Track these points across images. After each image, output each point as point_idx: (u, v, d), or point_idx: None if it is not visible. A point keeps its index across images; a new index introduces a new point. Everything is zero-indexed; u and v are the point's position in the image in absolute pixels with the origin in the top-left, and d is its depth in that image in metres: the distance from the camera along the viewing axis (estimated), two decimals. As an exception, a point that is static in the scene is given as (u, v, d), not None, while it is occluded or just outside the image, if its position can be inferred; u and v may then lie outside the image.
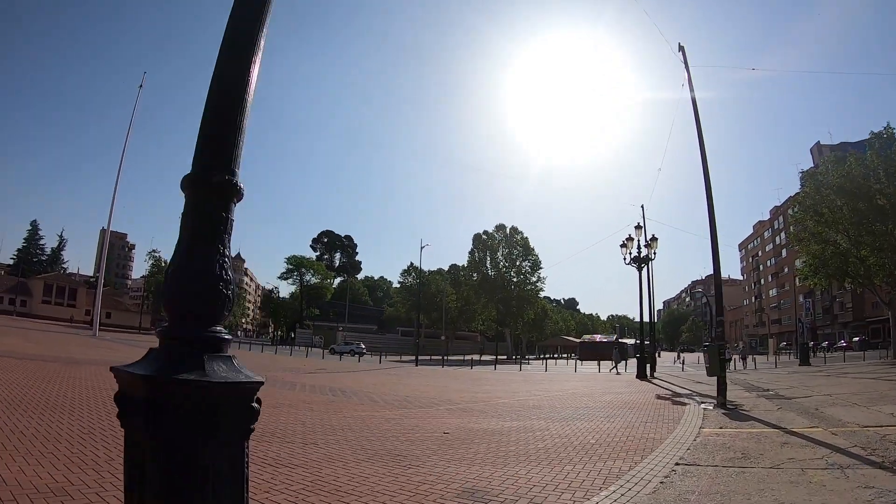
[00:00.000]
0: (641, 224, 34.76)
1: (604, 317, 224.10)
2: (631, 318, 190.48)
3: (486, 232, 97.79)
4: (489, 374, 39.22)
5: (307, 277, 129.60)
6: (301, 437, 9.71)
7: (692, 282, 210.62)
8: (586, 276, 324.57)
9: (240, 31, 3.21)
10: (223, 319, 2.95)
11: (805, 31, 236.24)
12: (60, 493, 5.57)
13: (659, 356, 48.85)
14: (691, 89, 19.84)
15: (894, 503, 6.10)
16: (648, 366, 34.09)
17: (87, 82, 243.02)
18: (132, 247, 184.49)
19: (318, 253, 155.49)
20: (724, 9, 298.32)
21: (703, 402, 17.32)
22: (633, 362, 43.35)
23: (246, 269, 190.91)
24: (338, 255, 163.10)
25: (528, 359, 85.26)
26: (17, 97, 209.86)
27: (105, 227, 63.22)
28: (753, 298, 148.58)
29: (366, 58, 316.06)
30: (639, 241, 33.85)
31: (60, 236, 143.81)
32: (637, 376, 32.59)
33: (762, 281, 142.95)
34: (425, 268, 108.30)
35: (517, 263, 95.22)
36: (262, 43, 3.27)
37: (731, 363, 37.26)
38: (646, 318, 38.55)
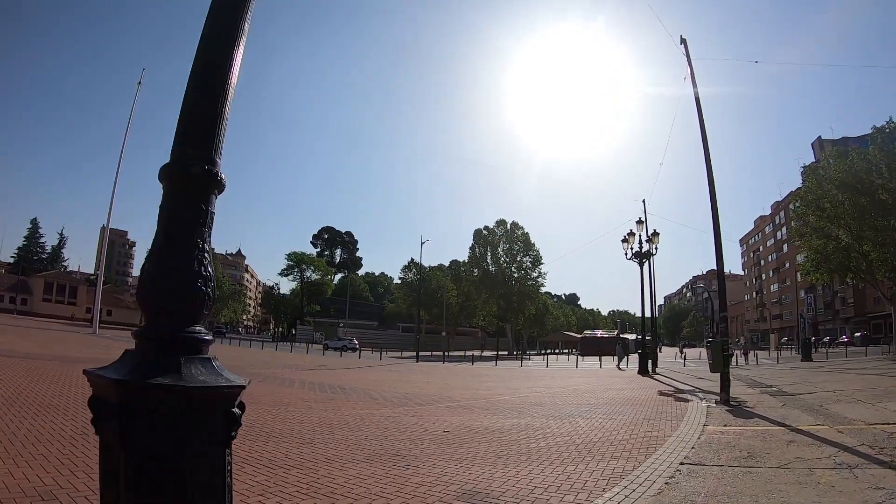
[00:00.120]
0: (643, 219, 34.63)
1: (605, 312, 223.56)
2: (632, 313, 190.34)
3: (486, 227, 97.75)
4: (490, 370, 39.06)
5: (308, 274, 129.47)
6: (298, 437, 9.56)
7: (693, 277, 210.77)
8: (587, 271, 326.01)
9: (223, 13, 3.05)
10: (203, 319, 2.77)
11: (805, 29, 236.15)
12: (48, 496, 5.44)
13: (660, 351, 48.67)
14: (693, 83, 19.67)
15: (906, 505, 5.95)
16: (650, 361, 33.88)
17: (87, 81, 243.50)
18: (133, 244, 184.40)
19: (318, 249, 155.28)
20: (726, 4, 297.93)
21: (705, 399, 17.18)
22: (633, 358, 43.27)
23: (247, 265, 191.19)
24: (338, 252, 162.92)
25: (529, 354, 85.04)
26: (18, 96, 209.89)
27: (105, 225, 62.91)
28: (754, 294, 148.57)
29: (366, 56, 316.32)
30: (640, 236, 33.70)
31: (61, 234, 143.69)
32: (639, 372, 32.47)
33: (763, 276, 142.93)
34: (426, 263, 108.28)
35: (518, 259, 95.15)
36: (247, 27, 3.11)
37: (733, 359, 37.07)
38: (647, 314, 38.31)
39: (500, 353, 73.27)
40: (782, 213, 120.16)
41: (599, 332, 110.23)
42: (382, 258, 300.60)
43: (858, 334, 79.37)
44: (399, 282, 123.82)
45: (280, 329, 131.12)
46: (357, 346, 71.89)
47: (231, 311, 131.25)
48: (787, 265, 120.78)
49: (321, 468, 7.36)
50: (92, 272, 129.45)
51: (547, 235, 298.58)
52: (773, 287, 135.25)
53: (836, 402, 15.21)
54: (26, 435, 7.91)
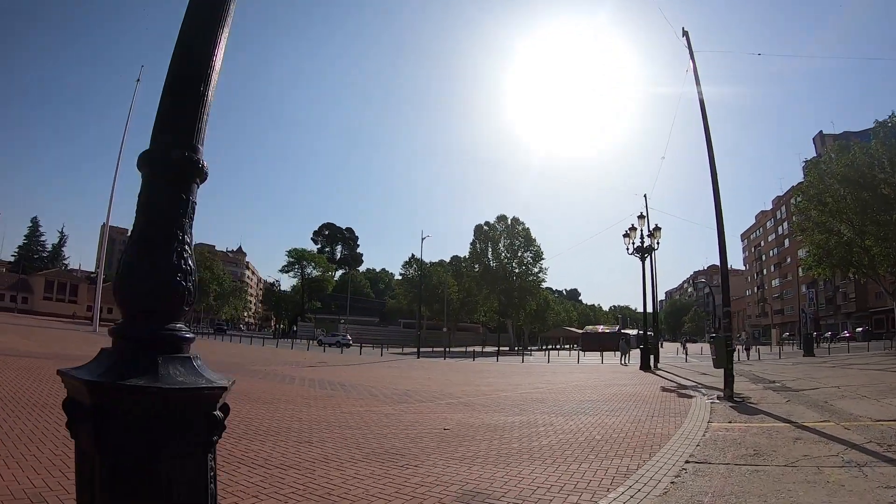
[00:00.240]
0: (644, 214, 34.43)
1: (606, 307, 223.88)
2: (633, 308, 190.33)
3: (487, 223, 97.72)
4: (491, 365, 38.96)
5: (308, 270, 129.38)
6: (296, 435, 9.42)
7: (694, 272, 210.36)
8: (588, 266, 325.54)
9: (207, -7, 2.86)
10: (183, 315, 2.64)
11: (806, 26, 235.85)
12: (36, 498, 5.33)
13: (661, 347, 48.59)
14: (696, 75, 19.50)
15: (919, 505, 5.80)
16: (652, 357, 33.74)
17: (87, 80, 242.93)
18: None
19: (319, 245, 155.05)
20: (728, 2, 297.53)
21: (709, 395, 17.03)
22: (635, 353, 43.13)
23: (247, 262, 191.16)
24: (339, 248, 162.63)
25: (531, 350, 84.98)
26: (18, 96, 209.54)
27: (108, 224, 62.77)
28: (756, 289, 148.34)
29: (366, 53, 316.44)
30: (642, 230, 33.54)
31: (61, 233, 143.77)
32: (640, 368, 32.39)
33: (765, 271, 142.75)
34: (427, 259, 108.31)
35: (519, 254, 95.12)
36: (232, 8, 2.96)
37: (735, 354, 37.00)
38: (649, 309, 38.15)
39: (501, 348, 73.40)
40: (783, 208, 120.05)
41: (601, 328, 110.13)
42: (383, 254, 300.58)
43: (860, 329, 79.14)
44: (400, 278, 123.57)
45: (281, 326, 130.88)
46: (350, 342, 72.40)
47: (232, 308, 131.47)
48: (789, 260, 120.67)
49: (318, 468, 7.21)
50: (93, 270, 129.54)
51: (548, 231, 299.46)
52: (775, 282, 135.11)
53: (840, 397, 15.06)
54: (19, 435, 7.80)
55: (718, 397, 16.14)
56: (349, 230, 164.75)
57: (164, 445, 2.24)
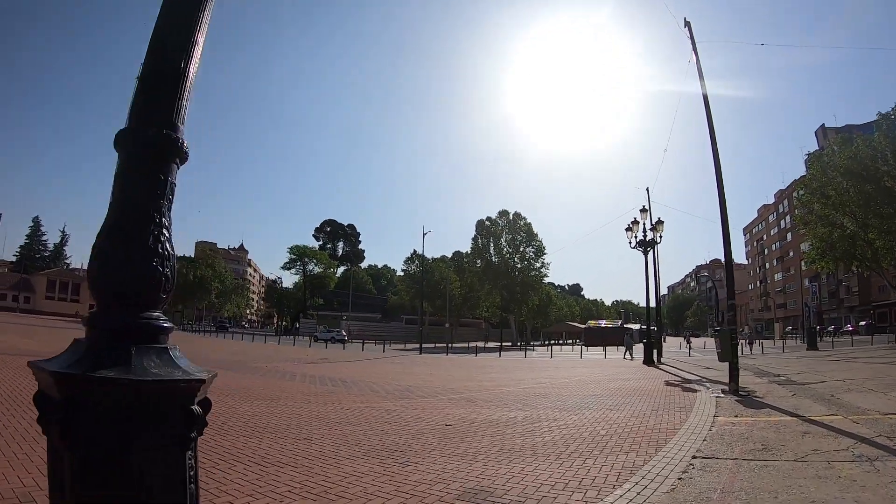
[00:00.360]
0: (647, 207, 34.21)
1: (608, 302, 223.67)
2: (635, 303, 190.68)
3: (489, 218, 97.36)
4: (494, 361, 38.80)
5: (310, 267, 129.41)
6: (295, 432, 9.27)
7: (697, 266, 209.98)
8: (591, 261, 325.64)
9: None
10: (161, 303, 2.49)
11: (808, 22, 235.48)
12: (25, 497, 5.26)
13: (664, 341, 48.43)
14: (698, 65, 19.33)
15: (934, 499, 5.63)
16: (655, 351, 33.58)
17: (88, 80, 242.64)
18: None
19: (320, 242, 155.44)
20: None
21: (713, 389, 16.89)
22: (638, 347, 42.99)
23: (249, 260, 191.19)
24: (341, 244, 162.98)
25: (533, 345, 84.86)
26: (19, 95, 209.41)
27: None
28: (758, 283, 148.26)
29: (367, 50, 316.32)
30: (644, 224, 33.30)
31: (63, 232, 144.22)
32: (644, 362, 32.17)
33: (767, 265, 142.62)
34: (429, 255, 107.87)
35: (521, 249, 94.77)
36: (218, -23, 2.79)
37: (739, 348, 36.89)
38: (652, 303, 37.96)
39: (503, 344, 73.25)
40: (786, 202, 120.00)
41: (603, 323, 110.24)
42: (385, 251, 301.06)
43: (863, 323, 79.09)
44: (402, 274, 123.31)
45: (284, 323, 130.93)
46: (345, 338, 72.99)
47: (234, 305, 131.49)
48: (791, 254, 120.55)
49: (316, 465, 7.05)
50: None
51: (550, 226, 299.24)
52: (777, 276, 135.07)
53: (846, 391, 14.93)
54: (13, 434, 7.72)
55: (723, 391, 15.99)
56: (351, 227, 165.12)
57: (137, 441, 2.12)
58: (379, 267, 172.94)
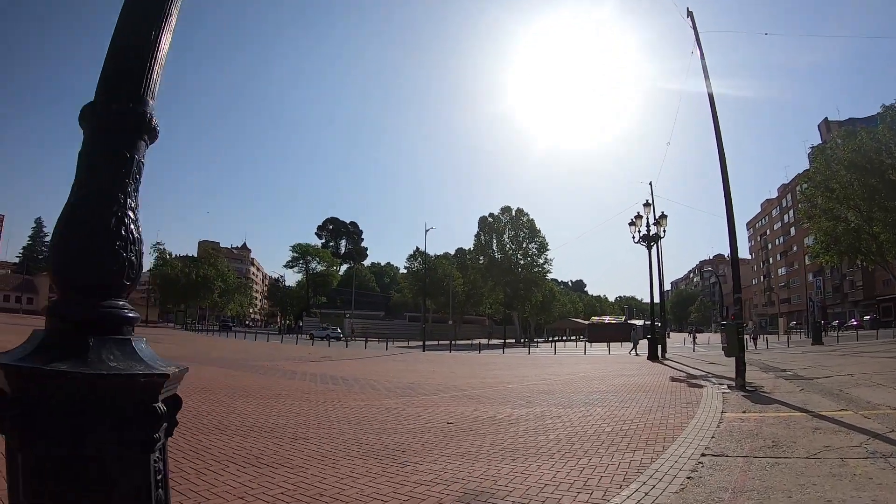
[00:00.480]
0: (650, 201, 33.98)
1: (612, 298, 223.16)
2: (639, 299, 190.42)
3: (491, 214, 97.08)
4: (497, 358, 38.60)
5: (313, 265, 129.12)
6: (292, 431, 9.06)
7: (700, 261, 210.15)
8: (594, 257, 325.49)
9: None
10: (125, 291, 2.29)
11: (811, 19, 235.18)
12: None
13: (668, 337, 48.26)
14: (701, 55, 19.15)
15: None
16: (659, 347, 33.37)
17: (91, 80, 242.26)
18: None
19: (323, 240, 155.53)
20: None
21: (720, 384, 16.66)
22: (643, 343, 42.83)
23: (252, 258, 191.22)
24: (343, 242, 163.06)
25: (537, 342, 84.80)
26: (21, 97, 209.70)
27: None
28: (762, 277, 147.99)
29: (368, 46, 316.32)
30: (647, 218, 33.06)
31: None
32: (648, 357, 32.04)
33: (771, 260, 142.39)
34: (431, 252, 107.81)
35: (524, 246, 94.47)
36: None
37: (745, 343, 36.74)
38: (656, 298, 37.74)
39: (507, 340, 73.05)
40: (789, 196, 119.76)
41: (607, 319, 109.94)
42: (388, 248, 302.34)
43: (868, 317, 78.81)
44: (405, 271, 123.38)
45: (287, 321, 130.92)
46: (340, 335, 73.37)
47: (237, 304, 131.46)
48: (795, 248, 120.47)
49: (312, 466, 6.83)
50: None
51: (552, 222, 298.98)
52: (781, 271, 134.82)
53: (855, 385, 14.75)
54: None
55: (730, 387, 15.77)
56: (353, 224, 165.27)
57: (93, 441, 1.96)
58: (382, 265, 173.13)
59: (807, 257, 79.76)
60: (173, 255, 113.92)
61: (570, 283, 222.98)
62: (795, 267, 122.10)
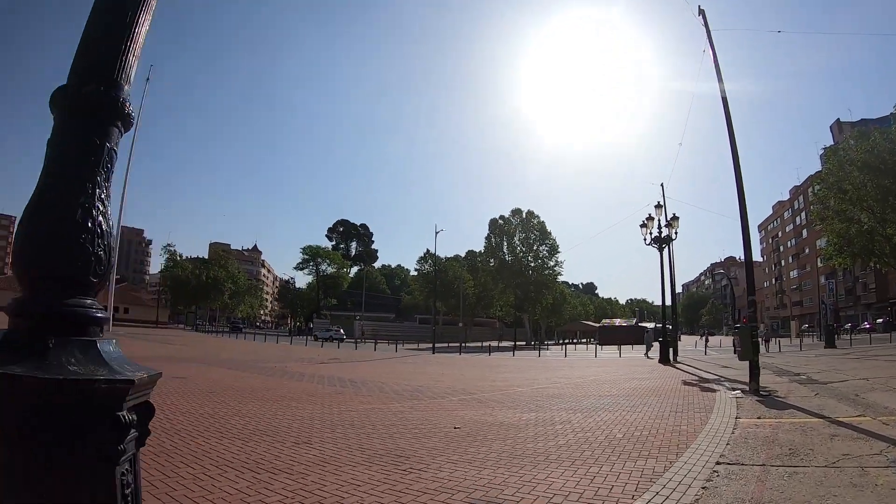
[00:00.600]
0: (661, 203, 33.71)
1: (623, 301, 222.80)
2: (650, 301, 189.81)
3: (502, 217, 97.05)
4: (507, 360, 38.39)
5: (323, 267, 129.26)
6: (295, 435, 8.85)
7: (711, 264, 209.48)
8: (605, 260, 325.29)
9: None
10: (93, 288, 2.12)
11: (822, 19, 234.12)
12: None
13: (679, 339, 48.02)
14: (713, 54, 18.89)
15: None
16: (671, 350, 33.08)
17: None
18: (149, 242, 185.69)
19: (333, 242, 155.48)
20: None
21: (733, 388, 16.39)
22: (655, 345, 42.60)
23: (263, 260, 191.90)
24: (354, 244, 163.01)
25: (547, 344, 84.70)
26: (27, 96, 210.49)
27: (120, 224, 62.67)
28: (774, 280, 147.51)
29: (378, 48, 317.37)
30: (659, 220, 32.82)
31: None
32: (660, 361, 31.76)
33: (782, 262, 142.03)
34: (442, 254, 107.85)
35: (534, 248, 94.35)
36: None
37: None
38: (668, 301, 37.45)
39: (517, 343, 72.82)
40: (801, 198, 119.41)
41: (618, 321, 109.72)
42: (398, 250, 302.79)
43: (881, 320, 78.27)
44: (415, 273, 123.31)
45: (297, 323, 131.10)
46: (343, 337, 73.14)
47: (248, 306, 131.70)
48: (807, 250, 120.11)
49: (313, 472, 6.61)
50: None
51: (563, 224, 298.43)
52: (793, 273, 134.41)
53: (871, 390, 14.48)
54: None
55: (743, 391, 15.50)
56: (363, 226, 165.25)
57: (50, 452, 1.80)
58: (392, 267, 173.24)
59: (819, 259, 79.31)
60: (184, 257, 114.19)
61: (580, 286, 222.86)
62: (807, 269, 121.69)
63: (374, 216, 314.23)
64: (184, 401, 12.09)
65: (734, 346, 37.20)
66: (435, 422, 10.69)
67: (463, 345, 59.49)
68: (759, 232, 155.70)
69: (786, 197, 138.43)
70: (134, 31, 2.31)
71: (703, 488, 6.08)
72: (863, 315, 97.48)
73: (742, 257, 18.30)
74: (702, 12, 19.48)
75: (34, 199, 2.06)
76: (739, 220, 17.91)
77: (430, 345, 58.63)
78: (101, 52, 2.23)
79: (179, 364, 22.48)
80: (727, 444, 8.43)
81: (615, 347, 53.23)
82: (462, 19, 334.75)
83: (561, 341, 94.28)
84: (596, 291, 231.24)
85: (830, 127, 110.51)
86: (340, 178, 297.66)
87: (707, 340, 59.48)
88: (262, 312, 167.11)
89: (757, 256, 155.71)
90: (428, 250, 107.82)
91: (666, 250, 33.77)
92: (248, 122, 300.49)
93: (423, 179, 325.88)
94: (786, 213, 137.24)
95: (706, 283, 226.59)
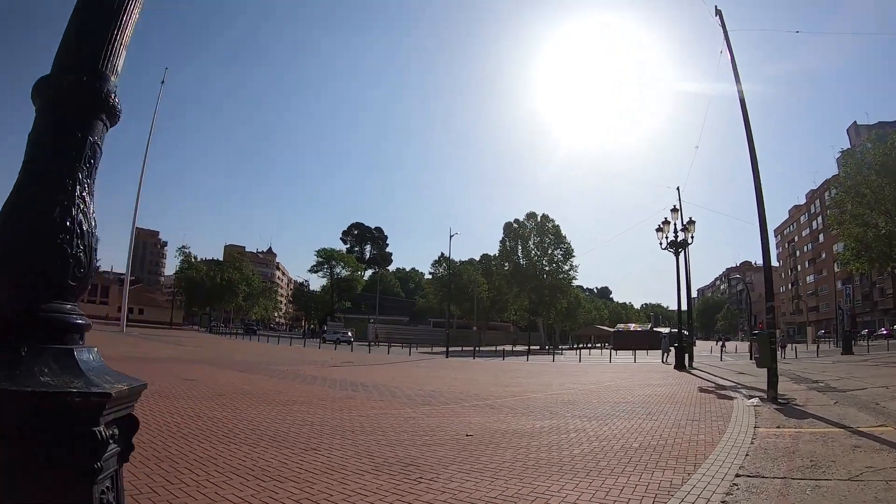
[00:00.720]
0: (678, 206, 33.53)
1: (637, 306, 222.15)
2: (665, 306, 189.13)
3: (517, 220, 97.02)
4: (521, 365, 38.27)
5: (337, 270, 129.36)
6: (304, 441, 8.71)
7: (727, 269, 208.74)
8: (619, 264, 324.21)
9: None
10: (73, 292, 2.00)
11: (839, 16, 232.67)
12: None
13: (694, 345, 47.82)
14: (731, 54, 18.67)
15: None
16: (686, 355, 32.79)
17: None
18: (164, 244, 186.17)
19: (348, 245, 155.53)
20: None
21: (750, 396, 16.15)
22: (670, 351, 42.35)
23: (277, 263, 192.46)
24: (368, 248, 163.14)
25: (562, 349, 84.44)
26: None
27: (135, 226, 62.75)
28: (790, 285, 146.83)
29: (396, 51, 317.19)
30: (675, 224, 32.59)
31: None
32: (675, 367, 31.55)
33: (799, 267, 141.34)
34: (456, 258, 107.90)
35: (549, 252, 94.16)
36: None
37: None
38: (684, 306, 37.16)
39: (531, 347, 72.76)
40: (818, 202, 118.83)
41: (632, 326, 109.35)
42: (413, 253, 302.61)
43: (898, 326, 77.62)
44: (430, 277, 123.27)
45: (311, 326, 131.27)
46: (351, 339, 72.70)
47: (262, 308, 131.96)
48: (824, 255, 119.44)
49: (320, 480, 6.45)
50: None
51: (576, 227, 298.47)
52: (809, 278, 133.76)
53: (892, 398, 14.29)
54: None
55: (761, 399, 15.25)
56: (378, 230, 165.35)
57: (18, 472, 1.66)
58: (407, 270, 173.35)
59: (836, 264, 78.85)
60: (198, 259, 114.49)
61: (595, 290, 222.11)
62: (824, 274, 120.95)
63: (389, 219, 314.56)
64: (192, 404, 11.99)
65: (750, 352, 36.93)
66: (447, 428, 10.53)
67: (477, 349, 59.34)
68: (776, 236, 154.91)
69: (802, 201, 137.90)
70: (122, 19, 2.18)
71: (722, 502, 5.88)
72: (880, 321, 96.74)
73: (757, 262, 18.12)
74: (719, 13, 19.32)
75: (11, 196, 1.93)
76: (758, 226, 17.74)
77: (444, 348, 58.55)
78: (85, 40, 2.09)
79: (190, 366, 22.47)
80: (746, 454, 8.21)
81: (630, 352, 53.02)
82: (478, 24, 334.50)
83: (575, 346, 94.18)
84: (610, 296, 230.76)
85: (847, 130, 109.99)
86: (355, 182, 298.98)
87: (724, 346, 59.16)
88: (276, 315, 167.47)
89: (773, 261, 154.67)
90: (442, 254, 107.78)
91: (682, 254, 33.54)
92: (265, 125, 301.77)
93: (438, 183, 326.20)
94: (802, 218, 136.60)
95: (721, 287, 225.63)
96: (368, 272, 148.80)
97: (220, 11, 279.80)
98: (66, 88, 1.99)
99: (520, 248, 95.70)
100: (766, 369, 16.11)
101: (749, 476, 6.97)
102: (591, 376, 26.42)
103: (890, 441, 8.80)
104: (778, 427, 10.88)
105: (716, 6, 19.48)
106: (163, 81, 61.05)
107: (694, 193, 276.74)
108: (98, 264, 2.05)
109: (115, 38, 2.15)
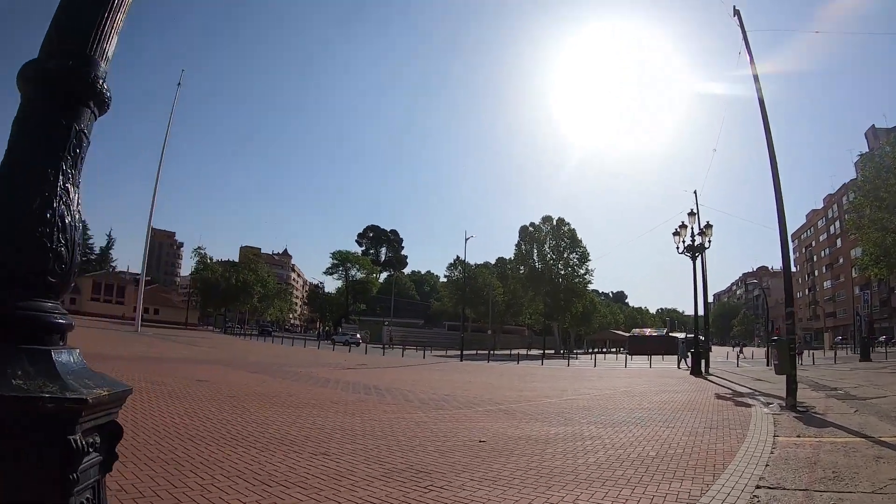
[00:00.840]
0: (695, 210, 33.26)
1: (653, 310, 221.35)
2: (680, 311, 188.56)
3: (532, 224, 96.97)
4: (536, 369, 38.16)
5: (353, 272, 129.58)
6: (313, 445, 8.57)
7: (744, 273, 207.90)
8: (635, 268, 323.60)
9: None
10: (53, 289, 1.88)
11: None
12: None
13: (710, 350, 47.59)
14: (750, 55, 18.51)
15: None
16: (703, 361, 32.52)
17: (129, 83, 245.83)
18: (180, 245, 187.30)
19: (363, 248, 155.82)
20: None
21: (769, 403, 15.94)
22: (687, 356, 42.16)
23: (293, 265, 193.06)
24: (383, 250, 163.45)
25: (577, 353, 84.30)
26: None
27: (151, 226, 62.90)
28: (807, 291, 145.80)
29: (410, 55, 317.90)
30: (692, 228, 32.32)
31: (109, 236, 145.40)
32: (691, 372, 31.36)
33: (816, 272, 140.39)
34: (472, 261, 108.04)
35: (564, 255, 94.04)
36: None
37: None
38: (700, 311, 36.86)
39: (546, 351, 72.58)
40: (835, 207, 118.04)
41: (648, 331, 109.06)
42: (428, 256, 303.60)
43: (917, 333, 77.02)
44: (445, 280, 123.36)
45: (326, 328, 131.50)
46: (359, 341, 74.09)
47: (277, 309, 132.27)
48: (841, 260, 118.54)
49: (327, 487, 6.30)
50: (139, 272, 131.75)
51: (591, 230, 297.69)
52: (826, 284, 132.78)
53: (913, 407, 13.93)
54: None
55: (780, 406, 15.05)
56: (393, 232, 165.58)
57: None
58: (422, 273, 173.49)
59: (854, 269, 78.25)
60: (214, 260, 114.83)
61: (610, 294, 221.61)
62: (841, 280, 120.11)
63: (405, 222, 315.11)
64: (202, 405, 11.88)
65: (767, 358, 36.61)
66: (459, 434, 10.37)
67: (491, 352, 59.37)
68: (793, 241, 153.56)
69: (819, 205, 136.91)
70: (113, 2, 2.04)
71: (743, 515, 5.69)
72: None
73: (774, 266, 17.94)
74: (737, 13, 19.13)
75: (-5, 188, 1.82)
76: (778, 234, 17.54)
77: (459, 352, 58.58)
78: (73, 23, 1.97)
79: (204, 366, 22.41)
80: (766, 465, 8.00)
81: (645, 358, 52.85)
82: (495, 28, 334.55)
83: (590, 350, 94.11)
84: (626, 300, 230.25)
85: (865, 133, 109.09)
86: (371, 184, 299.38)
87: (741, 352, 58.84)
88: (291, 316, 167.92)
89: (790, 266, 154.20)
90: (458, 257, 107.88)
91: (699, 259, 33.28)
92: (281, 126, 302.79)
93: (454, 185, 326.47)
94: (819, 222, 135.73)
95: (738, 292, 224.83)
96: (383, 275, 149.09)
97: (238, 11, 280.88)
98: (51, 73, 1.88)
99: (535, 251, 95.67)
100: (784, 376, 15.92)
101: (770, 487, 6.76)
102: (606, 381, 26.27)
103: (913, 452, 8.59)
104: (798, 436, 10.65)
105: (734, 6, 19.29)
106: (179, 83, 61.12)
107: (710, 196, 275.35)
108: (79, 259, 1.90)
109: (106, 23, 2.02)
